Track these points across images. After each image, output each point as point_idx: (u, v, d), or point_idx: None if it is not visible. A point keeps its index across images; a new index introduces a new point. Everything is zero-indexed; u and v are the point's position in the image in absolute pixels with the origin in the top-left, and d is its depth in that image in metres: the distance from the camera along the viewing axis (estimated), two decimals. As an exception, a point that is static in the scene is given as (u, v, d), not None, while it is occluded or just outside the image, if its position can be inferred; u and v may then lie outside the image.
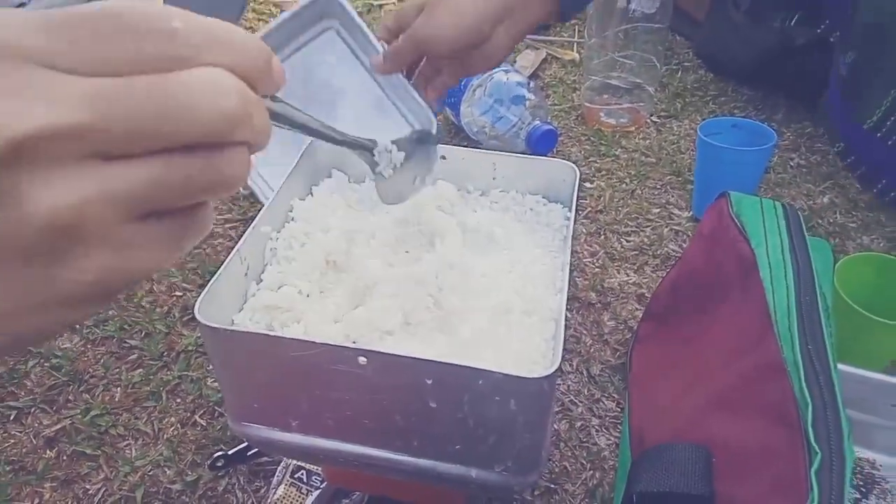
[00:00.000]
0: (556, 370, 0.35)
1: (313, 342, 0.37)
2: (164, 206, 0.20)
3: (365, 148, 0.40)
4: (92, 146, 0.18)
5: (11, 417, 0.68)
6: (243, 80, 0.21)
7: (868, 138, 0.86)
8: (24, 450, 0.66)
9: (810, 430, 0.35)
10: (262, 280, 0.47)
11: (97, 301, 0.20)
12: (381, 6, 1.52)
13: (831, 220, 0.91)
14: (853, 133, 0.89)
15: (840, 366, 0.42)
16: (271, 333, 0.39)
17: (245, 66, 0.21)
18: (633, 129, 1.09)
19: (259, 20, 1.48)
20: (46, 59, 0.18)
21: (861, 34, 0.83)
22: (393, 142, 0.42)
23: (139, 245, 0.20)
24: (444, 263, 0.46)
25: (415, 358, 0.36)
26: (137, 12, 0.19)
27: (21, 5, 0.88)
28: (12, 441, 0.66)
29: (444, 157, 0.54)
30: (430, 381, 0.37)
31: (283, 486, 0.61)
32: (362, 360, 0.37)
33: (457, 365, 0.36)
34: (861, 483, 0.58)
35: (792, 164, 1.01)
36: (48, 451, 0.66)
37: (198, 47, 0.20)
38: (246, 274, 0.46)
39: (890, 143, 0.84)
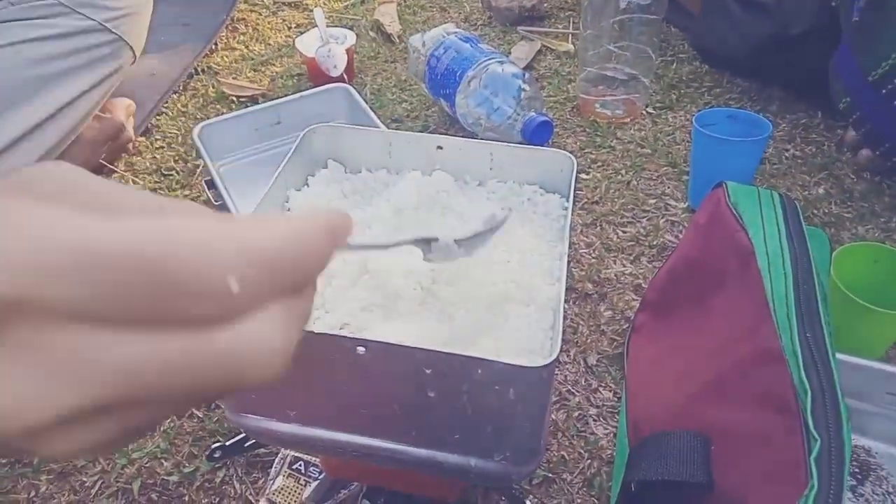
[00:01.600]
0: (555, 359, 0.35)
1: (311, 332, 0.37)
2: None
3: (424, 243, 0.37)
4: (122, 405, 0.16)
5: (6, 411, 0.68)
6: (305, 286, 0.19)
7: (874, 95, 0.81)
8: (19, 443, 0.66)
9: (809, 417, 0.35)
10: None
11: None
12: (375, -3, 1.51)
13: (827, 211, 0.91)
14: (859, 87, 0.84)
15: (837, 354, 0.42)
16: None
17: (306, 279, 0.19)
18: (628, 120, 1.09)
19: (251, 11, 1.47)
20: (78, 311, 0.15)
21: None
22: (457, 241, 0.38)
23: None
24: (443, 264, 0.46)
25: (414, 347, 0.36)
26: (190, 268, 0.16)
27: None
28: (7, 434, 0.66)
29: (440, 148, 0.54)
30: (429, 371, 0.37)
31: (280, 476, 0.60)
32: (361, 349, 0.37)
33: (456, 354, 0.35)
34: (857, 470, 0.58)
35: (787, 154, 1.01)
36: (44, 444, 0.66)
37: (256, 298, 0.17)
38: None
39: (895, 103, 0.79)
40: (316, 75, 1.17)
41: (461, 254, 0.39)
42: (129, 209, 0.18)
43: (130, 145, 1.05)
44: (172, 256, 0.16)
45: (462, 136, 0.99)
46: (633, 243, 0.87)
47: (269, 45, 1.36)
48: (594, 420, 0.67)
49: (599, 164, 1.01)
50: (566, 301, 0.78)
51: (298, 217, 0.19)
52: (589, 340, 0.75)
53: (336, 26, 1.26)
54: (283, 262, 0.18)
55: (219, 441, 0.63)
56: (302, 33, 1.24)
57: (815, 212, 0.91)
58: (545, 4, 1.39)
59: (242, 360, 0.17)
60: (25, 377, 0.15)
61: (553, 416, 0.67)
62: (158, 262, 0.15)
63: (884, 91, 0.79)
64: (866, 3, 0.79)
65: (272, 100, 1.06)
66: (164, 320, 0.16)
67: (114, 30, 0.91)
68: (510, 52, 1.26)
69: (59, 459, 0.17)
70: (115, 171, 1.01)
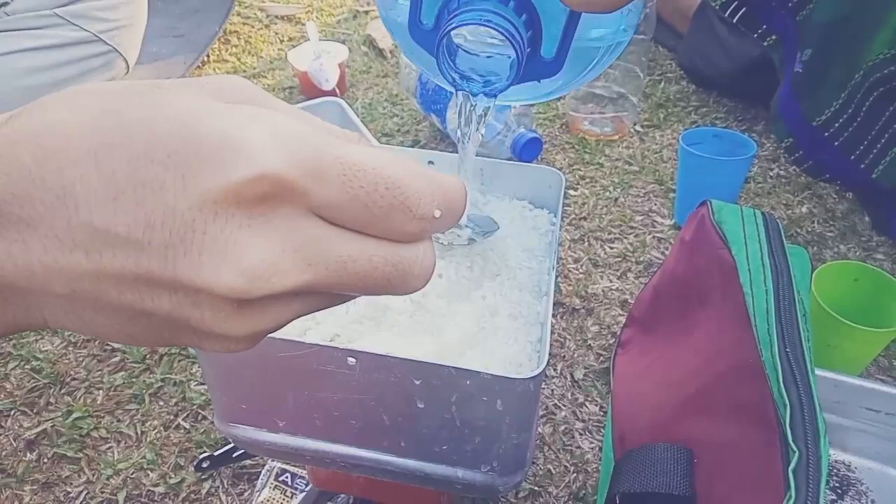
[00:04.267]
0: (542, 371, 0.36)
1: (302, 342, 0.37)
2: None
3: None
4: (313, 290, 0.20)
5: (-9, 420, 0.68)
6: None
7: (817, 137, 0.88)
8: (3, 452, 0.65)
9: (788, 430, 0.36)
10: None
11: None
12: (367, 13, 1.52)
13: (809, 230, 0.93)
14: (802, 129, 0.91)
15: (817, 370, 0.43)
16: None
17: (451, 225, 0.23)
18: (616, 137, 1.11)
19: (244, 24, 1.48)
20: (321, 208, 0.19)
21: (818, 32, 0.84)
22: (470, 218, 0.42)
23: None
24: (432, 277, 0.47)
25: (404, 359, 0.37)
26: (418, 194, 0.20)
27: (2, 5, 0.87)
28: (-8, 443, 0.66)
29: (431, 163, 0.55)
30: (418, 382, 0.38)
31: (267, 488, 0.60)
32: (351, 360, 0.37)
33: (445, 366, 0.36)
34: (837, 485, 0.59)
35: (772, 174, 1.03)
36: (28, 454, 0.65)
37: (439, 226, 0.21)
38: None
39: (837, 143, 0.86)
40: (308, 89, 1.18)
41: (464, 238, 0.43)
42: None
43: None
44: (407, 181, 0.20)
45: (453, 152, 1.00)
46: (619, 259, 0.88)
47: (262, 58, 1.37)
48: (580, 434, 0.68)
49: (588, 180, 1.02)
50: (553, 315, 0.79)
51: (450, 178, 0.23)
52: (576, 355, 0.76)
53: (328, 40, 1.28)
54: (456, 208, 0.22)
55: (205, 452, 0.63)
56: (294, 47, 1.25)
57: (799, 230, 0.93)
58: (535, 23, 1.41)
59: (412, 271, 0.21)
60: (281, 248, 0.18)
61: (539, 430, 0.68)
62: (398, 183, 0.20)
63: (826, 133, 0.87)
64: (810, 56, 0.84)
65: (264, 112, 1.07)
66: (379, 230, 0.20)
67: (108, 41, 0.92)
68: (501, 69, 1.28)
69: (230, 343, 0.21)
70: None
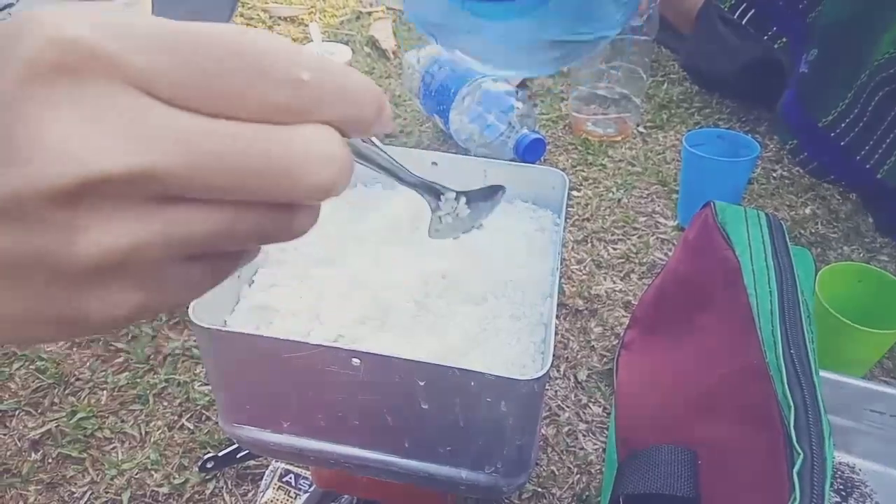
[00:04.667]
0: (546, 372, 0.36)
1: (306, 343, 0.38)
2: (217, 251, 0.19)
3: (433, 193, 0.39)
4: (165, 190, 0.16)
5: (-4, 420, 0.68)
6: (352, 130, 0.19)
7: (822, 137, 0.88)
8: (8, 452, 0.66)
9: (792, 431, 0.36)
10: (253, 282, 0.47)
11: (114, 328, 0.19)
12: (370, 14, 1.53)
13: (813, 231, 0.93)
14: (807, 131, 0.91)
15: (821, 372, 0.43)
16: (264, 334, 0.40)
17: (357, 118, 0.19)
18: (619, 139, 1.11)
19: (247, 25, 1.48)
20: (146, 81, 0.16)
21: (824, 32, 0.84)
22: (463, 193, 0.41)
23: (178, 284, 0.19)
24: (434, 271, 0.47)
25: (408, 360, 0.37)
26: (269, 53, 0.17)
27: (7, 6, 0.87)
28: (-4, 444, 0.66)
29: (435, 164, 0.55)
30: (422, 383, 0.38)
31: (271, 489, 0.61)
32: (356, 361, 0.37)
33: (449, 367, 0.36)
34: (841, 487, 0.59)
35: (775, 175, 1.03)
36: (33, 454, 0.65)
37: (318, 101, 0.18)
38: (238, 276, 0.46)
39: (842, 143, 0.86)
40: (311, 90, 1.18)
41: (467, 219, 0.41)
42: None
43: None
44: (253, 42, 0.17)
45: (455, 153, 1.01)
46: (623, 260, 0.88)
47: (265, 59, 1.37)
48: (584, 435, 0.68)
49: (591, 181, 1.02)
50: (557, 317, 0.79)
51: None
52: (579, 356, 0.75)
53: (332, 41, 1.28)
54: (343, 80, 0.18)
55: (209, 452, 0.63)
56: (298, 48, 1.25)
57: (802, 231, 0.93)
58: (538, 24, 1.41)
59: (301, 153, 0.17)
60: (98, 127, 0.15)
61: (543, 432, 0.68)
62: (242, 45, 0.16)
63: (832, 134, 0.87)
64: (816, 56, 0.84)
65: (267, 113, 1.07)
66: (241, 107, 0.16)
67: (112, 42, 0.92)
68: (504, 70, 1.28)
69: (108, 302, 0.17)
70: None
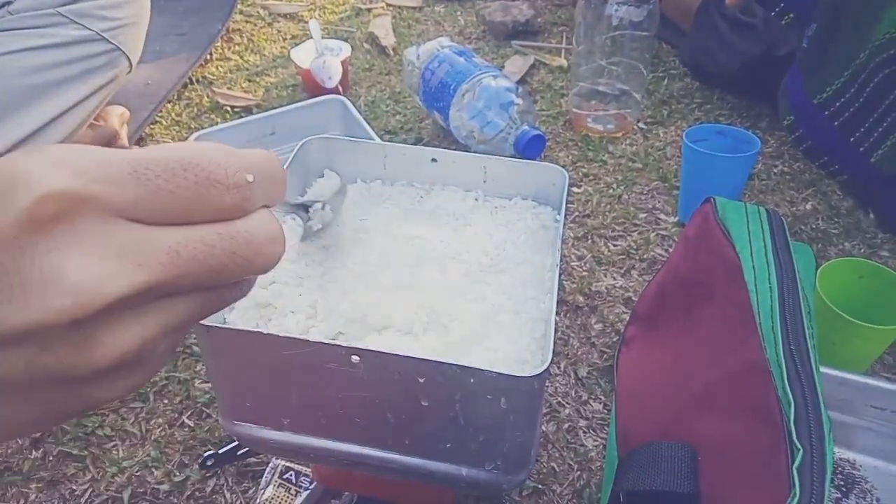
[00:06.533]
0: (547, 369, 0.36)
1: (306, 340, 0.37)
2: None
3: (303, 209, 0.44)
4: (158, 293, 0.20)
5: (-4, 418, 0.68)
6: (275, 203, 0.23)
7: (817, 115, 0.88)
8: (9, 450, 0.66)
9: (792, 427, 0.36)
10: (253, 280, 0.47)
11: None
12: (369, 10, 1.52)
13: (814, 227, 0.93)
14: (804, 107, 0.91)
15: (821, 368, 0.43)
16: (264, 332, 0.39)
17: (280, 193, 0.23)
18: (619, 135, 1.10)
19: (247, 22, 1.48)
20: (131, 211, 0.19)
21: (825, 8, 0.84)
22: (324, 202, 0.46)
23: (165, 354, 0.22)
24: (434, 268, 0.47)
25: (407, 357, 0.37)
26: (220, 166, 0.20)
27: (6, 4, 0.87)
28: (-3, 441, 0.66)
29: (434, 160, 0.55)
30: (422, 380, 0.38)
31: (271, 486, 0.61)
32: (355, 358, 0.37)
33: (449, 364, 0.36)
34: (842, 483, 0.59)
35: (775, 171, 1.03)
36: (34, 452, 0.66)
37: (259, 194, 0.22)
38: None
39: (836, 123, 0.86)
40: (311, 87, 1.18)
41: (331, 221, 0.47)
42: None
43: (124, 153, 1.05)
44: (202, 156, 0.20)
45: (455, 149, 1.00)
46: (623, 257, 0.88)
47: (264, 55, 1.37)
48: (584, 432, 0.68)
49: (591, 177, 1.02)
50: (557, 313, 0.79)
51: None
52: (580, 353, 0.75)
53: (331, 38, 1.27)
54: (271, 171, 0.22)
55: (210, 449, 0.63)
56: (297, 45, 1.25)
57: (803, 227, 0.92)
58: (539, 20, 1.41)
59: (257, 239, 0.21)
60: (99, 258, 0.18)
61: (543, 428, 0.68)
62: (196, 162, 0.20)
63: (826, 112, 0.87)
64: (815, 32, 0.83)
65: (266, 110, 1.07)
66: (200, 213, 0.20)
67: (111, 40, 0.92)
68: (504, 66, 1.28)
69: (114, 379, 0.20)
70: (109, 180, 1.01)
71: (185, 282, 0.20)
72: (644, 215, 0.95)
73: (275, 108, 1.06)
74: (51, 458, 0.65)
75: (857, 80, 0.82)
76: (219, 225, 0.20)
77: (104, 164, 0.18)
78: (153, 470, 0.64)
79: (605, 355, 0.75)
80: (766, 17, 1.06)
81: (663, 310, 0.64)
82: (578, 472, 0.64)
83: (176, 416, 0.69)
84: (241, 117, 1.07)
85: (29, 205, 0.17)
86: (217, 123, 1.11)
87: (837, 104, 0.84)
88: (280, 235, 0.22)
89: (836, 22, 0.83)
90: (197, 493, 0.62)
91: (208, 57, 1.33)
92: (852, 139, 0.85)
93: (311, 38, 1.20)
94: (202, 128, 1.03)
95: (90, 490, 0.63)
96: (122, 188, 0.18)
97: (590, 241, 0.90)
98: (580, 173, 1.03)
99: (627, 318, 0.75)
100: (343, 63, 1.17)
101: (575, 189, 0.99)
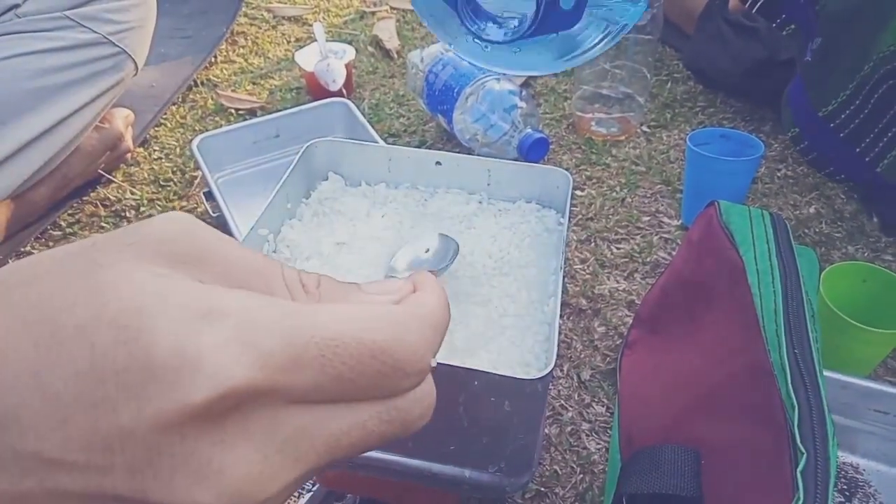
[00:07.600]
0: (550, 372, 0.36)
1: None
2: None
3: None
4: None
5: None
6: None
7: (822, 127, 0.88)
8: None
9: (796, 431, 0.36)
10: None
11: None
12: (373, 13, 1.53)
13: (817, 230, 0.93)
14: (809, 120, 0.91)
15: (825, 372, 0.43)
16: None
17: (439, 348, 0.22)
18: (623, 138, 1.11)
19: (251, 25, 1.48)
20: (305, 396, 0.17)
21: (829, 22, 0.84)
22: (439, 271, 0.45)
23: None
24: (437, 270, 0.47)
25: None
26: (415, 353, 0.19)
27: (13, 7, 0.88)
28: None
29: (439, 164, 0.55)
30: (425, 382, 0.38)
31: (275, 488, 0.61)
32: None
33: (453, 366, 0.36)
34: (845, 487, 0.59)
35: (779, 174, 1.03)
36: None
37: (431, 368, 0.20)
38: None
39: (842, 135, 0.86)
40: (315, 89, 1.18)
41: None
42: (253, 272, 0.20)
43: (129, 155, 1.05)
44: (395, 342, 0.18)
45: (459, 152, 1.01)
46: (626, 260, 0.88)
47: (269, 58, 1.37)
48: (587, 435, 0.68)
49: (594, 181, 1.02)
50: (560, 316, 0.79)
51: (435, 306, 0.22)
52: (582, 356, 0.75)
53: (335, 41, 1.28)
54: (445, 331, 0.21)
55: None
56: (301, 47, 1.25)
57: (806, 231, 0.92)
58: (542, 23, 1.41)
59: (413, 416, 0.20)
60: (263, 456, 0.17)
61: (546, 431, 0.68)
62: (385, 348, 0.18)
63: (832, 125, 0.87)
64: (819, 45, 0.84)
65: (271, 113, 1.08)
66: (371, 394, 0.18)
67: (118, 43, 0.92)
68: (507, 70, 1.28)
69: None
70: (113, 181, 1.02)
71: (334, 464, 0.19)
72: (647, 218, 0.95)
73: (279, 110, 1.06)
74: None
75: (863, 91, 0.82)
76: (382, 405, 0.19)
77: (293, 344, 0.17)
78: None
79: (608, 358, 0.75)
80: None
81: (666, 313, 0.64)
82: (581, 476, 0.64)
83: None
84: (246, 120, 1.08)
85: (206, 400, 0.16)
86: (221, 126, 1.12)
87: (843, 116, 0.85)
88: (432, 406, 0.20)
89: (841, 34, 0.83)
90: (200, 495, 0.63)
91: (213, 59, 1.33)
92: (858, 149, 0.86)
93: (316, 40, 1.20)
94: (206, 130, 1.04)
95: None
96: (304, 375, 0.17)
97: (593, 245, 0.91)
98: (583, 176, 1.03)
99: (630, 321, 0.75)
100: (347, 66, 1.18)
101: (578, 192, 1.00)
